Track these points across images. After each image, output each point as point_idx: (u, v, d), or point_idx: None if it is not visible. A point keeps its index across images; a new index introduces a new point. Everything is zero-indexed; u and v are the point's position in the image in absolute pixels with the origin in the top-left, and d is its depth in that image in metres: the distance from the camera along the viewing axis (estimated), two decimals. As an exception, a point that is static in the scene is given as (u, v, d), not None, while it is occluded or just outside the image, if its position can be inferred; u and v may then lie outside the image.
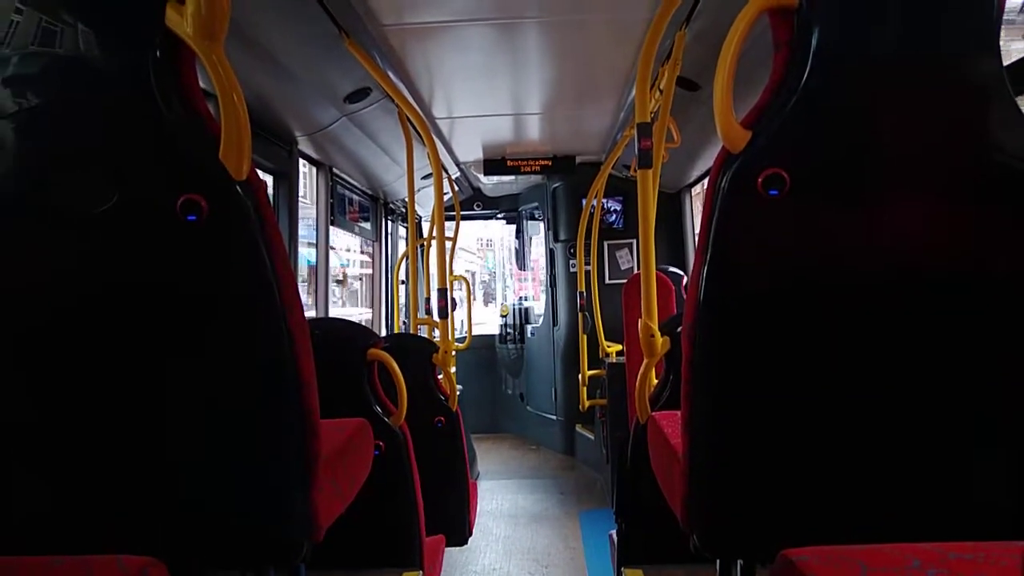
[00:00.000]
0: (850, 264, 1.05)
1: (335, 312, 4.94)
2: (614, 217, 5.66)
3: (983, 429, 1.06)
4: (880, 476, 1.09)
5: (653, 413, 1.74)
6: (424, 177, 4.82)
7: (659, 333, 1.79)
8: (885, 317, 1.05)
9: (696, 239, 4.22)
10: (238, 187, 1.05)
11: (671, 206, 5.26)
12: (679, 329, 1.78)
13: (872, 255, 1.04)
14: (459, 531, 3.13)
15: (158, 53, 1.04)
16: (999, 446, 1.07)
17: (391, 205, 5.44)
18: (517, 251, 7.27)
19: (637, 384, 1.81)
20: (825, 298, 1.06)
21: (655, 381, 1.92)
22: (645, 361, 1.80)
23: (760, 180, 1.01)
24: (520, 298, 7.39)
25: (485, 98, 3.66)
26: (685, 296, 4.14)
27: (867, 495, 1.09)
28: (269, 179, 3.30)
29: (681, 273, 4.42)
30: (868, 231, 1.04)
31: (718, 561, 1.29)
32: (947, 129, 1.02)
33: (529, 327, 6.61)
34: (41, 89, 1.07)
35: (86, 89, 1.07)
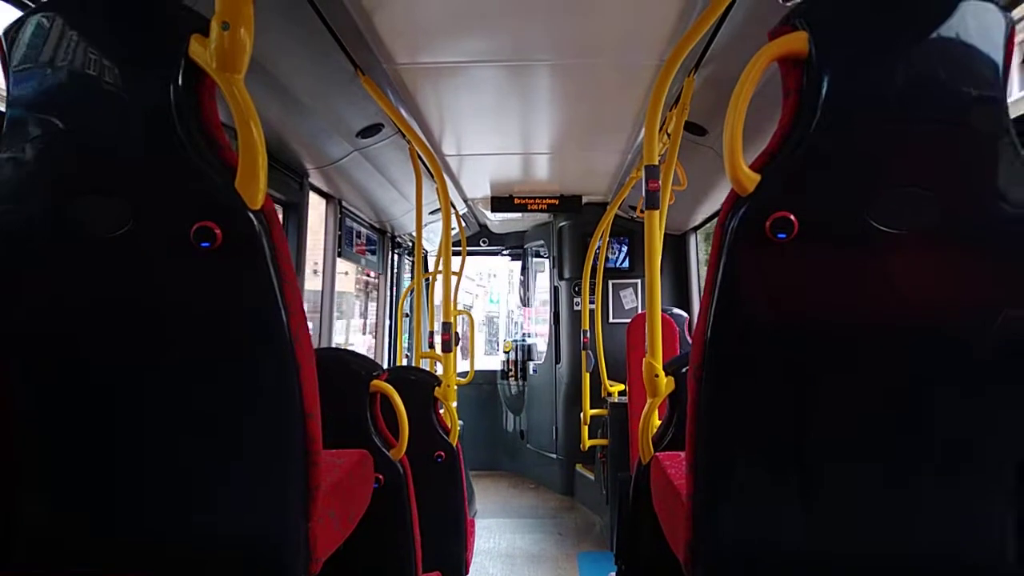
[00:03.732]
0: (857, 309, 1.06)
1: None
2: (619, 257, 5.69)
3: (994, 479, 1.06)
4: (895, 527, 1.08)
5: (656, 454, 1.73)
6: (432, 212, 4.87)
7: (663, 373, 1.78)
8: (891, 362, 1.05)
9: (700, 281, 4.21)
10: (252, 216, 1.07)
11: (676, 248, 5.30)
12: (684, 369, 1.78)
13: (879, 302, 1.05)
14: (455, 569, 3.08)
15: (180, 83, 1.07)
16: (1009, 497, 1.06)
17: (398, 239, 5.48)
18: (521, 288, 7.29)
19: (640, 424, 1.80)
20: (832, 342, 1.07)
21: (658, 421, 1.91)
22: (649, 401, 1.79)
23: (768, 223, 1.03)
24: (523, 335, 7.37)
25: (495, 137, 3.72)
26: (689, 337, 4.14)
27: (881, 545, 1.08)
28: (279, 210, 3.34)
29: (685, 314, 4.42)
30: (875, 277, 1.05)
31: None
32: (954, 179, 1.04)
33: (531, 364, 6.59)
34: (66, 113, 1.10)
35: (109, 115, 1.09)
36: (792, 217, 1.02)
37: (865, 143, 1.05)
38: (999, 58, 1.03)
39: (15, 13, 1.17)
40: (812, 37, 1.03)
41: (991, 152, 1.03)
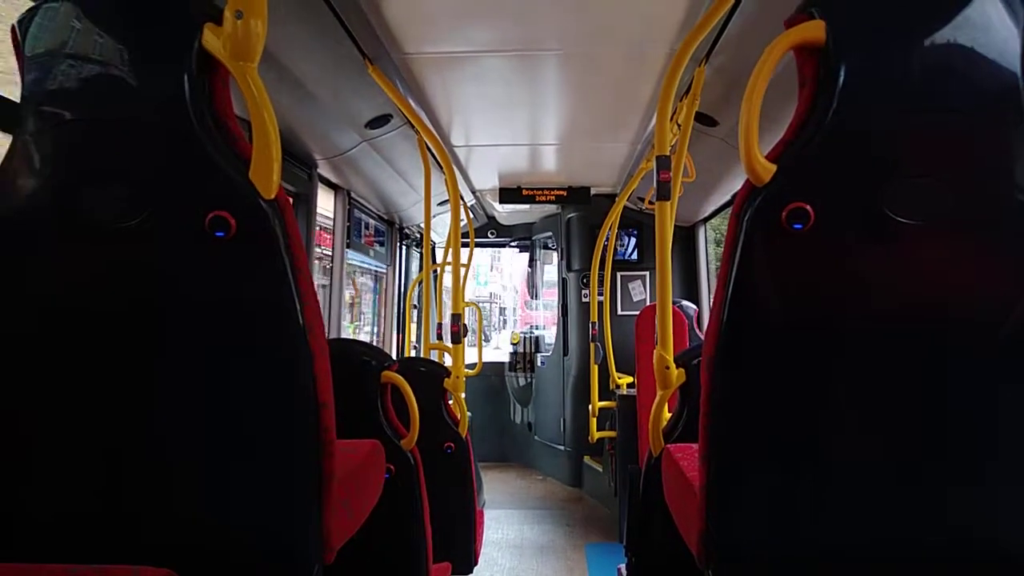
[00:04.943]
0: (873, 300, 1.05)
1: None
2: (628, 249, 5.68)
3: (1016, 470, 1.05)
4: (913, 519, 1.07)
5: (667, 446, 1.73)
6: (440, 203, 4.87)
7: (674, 365, 1.78)
8: (907, 353, 1.04)
9: (709, 273, 4.19)
10: (266, 206, 1.07)
11: (685, 240, 5.28)
12: (694, 361, 1.78)
13: (895, 292, 1.04)
14: (465, 560, 3.09)
15: (194, 73, 1.07)
16: (1020, 489, 1.06)
17: (406, 230, 5.48)
18: (529, 280, 7.29)
19: (651, 416, 1.80)
20: (847, 333, 1.06)
21: (668, 414, 1.90)
22: (659, 393, 1.79)
23: (784, 214, 1.02)
24: (531, 327, 7.37)
25: (503, 128, 3.71)
26: (698, 329, 4.13)
27: (897, 538, 1.07)
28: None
29: (694, 307, 4.41)
30: (891, 268, 1.04)
31: None
32: (971, 169, 1.03)
33: (539, 356, 6.59)
34: (80, 103, 1.10)
35: (123, 105, 1.09)
36: (808, 207, 1.02)
37: (882, 133, 1.04)
38: (1018, 47, 1.01)
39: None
40: (829, 25, 1.02)
41: (1009, 141, 1.02)
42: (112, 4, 1.13)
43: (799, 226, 1.02)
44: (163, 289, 1.12)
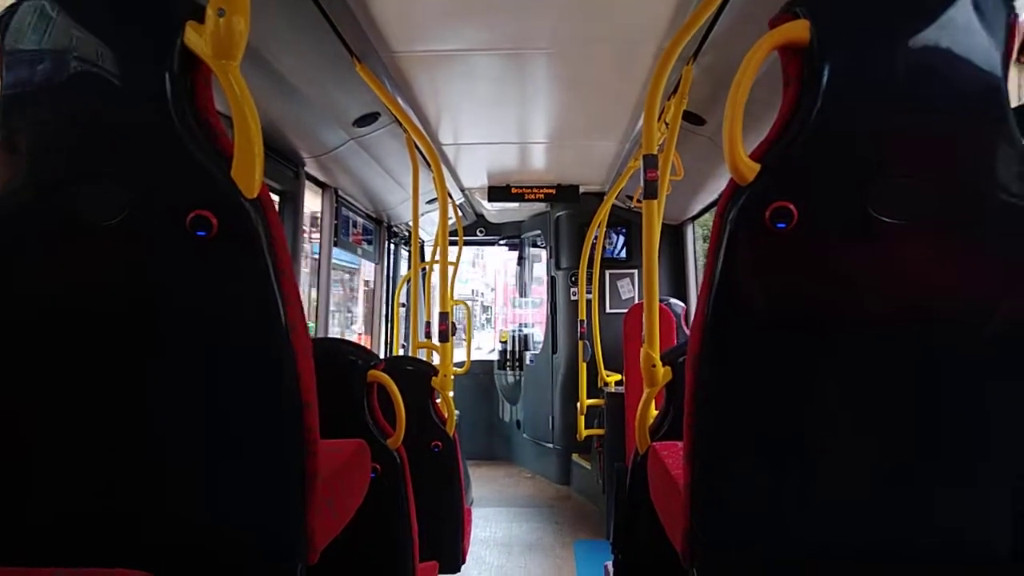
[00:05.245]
0: (856, 299, 1.05)
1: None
2: (616, 247, 5.69)
3: (998, 469, 1.06)
4: (896, 516, 1.08)
5: (653, 444, 1.73)
6: (428, 202, 4.86)
7: (660, 363, 1.78)
8: (890, 351, 1.05)
9: (697, 271, 4.21)
10: (248, 205, 1.06)
11: (673, 238, 5.30)
12: (681, 359, 1.78)
13: (878, 291, 1.05)
14: (452, 558, 3.09)
15: (176, 71, 1.06)
16: (1014, 489, 1.06)
17: (394, 228, 5.47)
18: (518, 278, 7.30)
19: (638, 414, 1.80)
20: (831, 332, 1.06)
21: (655, 412, 1.91)
22: (646, 391, 1.79)
23: (768, 213, 1.02)
24: (520, 325, 7.38)
25: (492, 126, 3.70)
26: (686, 327, 4.15)
27: (879, 535, 1.08)
28: (275, 199, 3.32)
29: (682, 304, 4.43)
30: (875, 267, 1.04)
31: None
32: (956, 168, 1.03)
33: (528, 354, 6.60)
34: (62, 100, 1.09)
35: (104, 103, 1.08)
36: (791, 207, 1.02)
37: (865, 132, 1.04)
38: (1000, 47, 1.02)
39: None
40: (814, 25, 1.02)
41: (991, 141, 1.03)
42: (94, 1, 1.11)
43: (783, 225, 1.02)
44: (146, 288, 1.11)
